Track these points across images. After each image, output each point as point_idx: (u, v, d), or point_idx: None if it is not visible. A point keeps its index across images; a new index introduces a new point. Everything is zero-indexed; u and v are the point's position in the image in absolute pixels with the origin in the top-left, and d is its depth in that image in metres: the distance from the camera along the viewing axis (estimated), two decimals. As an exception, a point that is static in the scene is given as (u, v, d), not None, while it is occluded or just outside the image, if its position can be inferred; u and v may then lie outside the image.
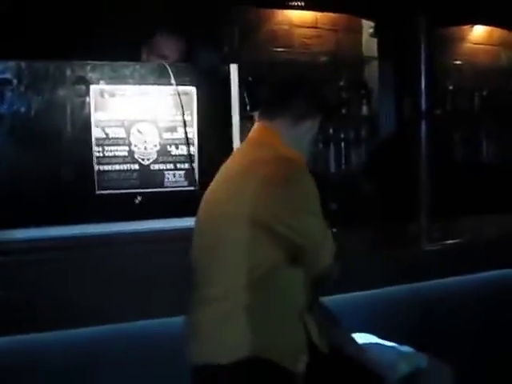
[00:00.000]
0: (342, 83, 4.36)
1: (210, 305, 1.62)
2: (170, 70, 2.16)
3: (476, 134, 4.92)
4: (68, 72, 2.06)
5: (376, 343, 1.92)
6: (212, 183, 1.76)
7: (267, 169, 1.63)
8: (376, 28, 4.45)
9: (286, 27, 4.28)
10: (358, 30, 4.56)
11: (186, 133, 2.20)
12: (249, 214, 1.59)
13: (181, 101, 2.19)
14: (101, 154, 2.12)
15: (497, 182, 4.16)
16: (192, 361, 1.64)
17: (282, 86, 1.88)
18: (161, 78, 2.18)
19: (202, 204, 1.75)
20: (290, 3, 4.04)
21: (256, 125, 1.81)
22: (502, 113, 4.97)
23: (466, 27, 4.99)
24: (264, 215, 1.59)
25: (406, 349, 1.88)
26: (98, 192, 2.11)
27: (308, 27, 4.36)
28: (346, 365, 1.71)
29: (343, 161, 4.28)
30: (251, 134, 1.80)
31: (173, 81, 2.18)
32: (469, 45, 5.06)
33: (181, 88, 2.20)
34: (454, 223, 2.99)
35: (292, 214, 1.61)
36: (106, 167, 2.13)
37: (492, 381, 2.47)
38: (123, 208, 2.14)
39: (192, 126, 2.24)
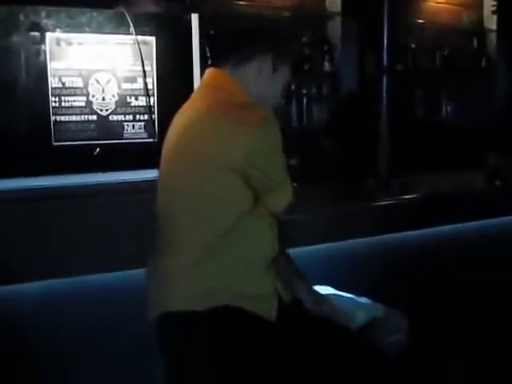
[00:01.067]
0: (304, 39, 4.33)
1: (179, 254, 1.63)
2: (129, 19, 2.10)
3: (436, 92, 4.98)
4: (21, 17, 1.97)
5: (334, 294, 1.95)
6: (171, 130, 1.74)
7: (237, 112, 1.64)
8: (340, -17, 4.41)
9: (250, -20, 4.20)
10: (323, -15, 4.50)
11: (145, 83, 2.15)
12: (218, 158, 1.60)
13: (140, 51, 2.13)
14: (57, 105, 2.05)
15: (455, 140, 4.24)
16: (159, 309, 1.65)
17: (236, 35, 1.88)
18: (120, 27, 2.11)
19: (164, 152, 1.74)
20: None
21: (208, 70, 1.79)
22: (461, 72, 5.03)
23: (428, -15, 4.99)
24: (236, 159, 1.59)
25: (363, 300, 1.92)
26: (54, 143, 2.05)
27: (272, -20, 4.29)
28: (306, 316, 1.73)
29: (305, 116, 4.28)
30: (205, 79, 1.79)
31: (132, 30, 2.11)
32: (431, 4, 5.07)
33: (140, 37, 2.14)
34: (412, 179, 3.04)
35: (265, 157, 1.62)
36: (63, 118, 2.07)
37: (446, 328, 2.55)
38: (81, 160, 2.09)
39: (152, 77, 2.19)
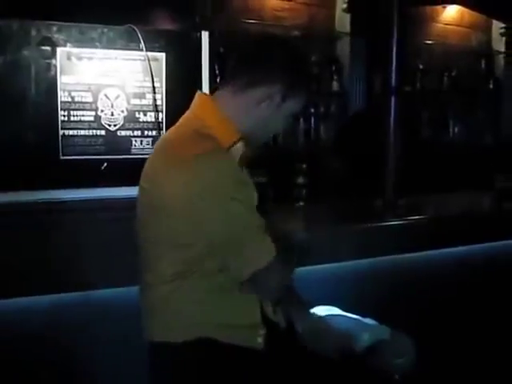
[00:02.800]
0: (313, 58, 4.34)
1: (150, 289, 1.55)
2: (139, 35, 2.11)
3: (443, 113, 4.98)
4: (33, 32, 1.99)
5: (339, 315, 1.93)
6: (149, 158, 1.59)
7: (176, 147, 1.47)
8: (349, 3, 4.43)
9: (259, -1, 4.23)
10: (332, 5, 4.53)
11: (154, 99, 2.16)
12: (162, 200, 1.45)
13: (150, 67, 2.14)
14: (66, 119, 2.06)
15: (462, 161, 4.23)
16: (146, 336, 1.59)
17: (244, 52, 1.62)
18: (130, 43, 2.13)
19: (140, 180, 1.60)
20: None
21: (196, 94, 1.61)
22: (469, 93, 5.04)
23: (438, 7, 5.01)
24: (175, 201, 1.42)
25: (369, 321, 1.89)
26: (62, 157, 2.06)
27: (281, 0, 4.32)
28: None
29: (312, 136, 4.28)
30: (192, 104, 1.61)
31: (142, 46, 2.13)
32: (440, 25, 5.09)
33: (150, 54, 2.15)
34: (419, 200, 3.03)
35: (205, 200, 1.41)
36: (71, 132, 2.08)
37: (453, 351, 2.52)
38: (88, 174, 2.10)
39: (160, 93, 2.20)
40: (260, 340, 1.56)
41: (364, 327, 1.83)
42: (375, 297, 2.35)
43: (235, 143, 1.50)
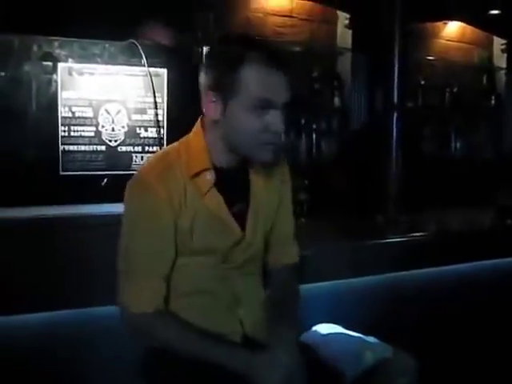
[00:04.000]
0: (314, 74, 4.34)
1: None
2: (141, 51, 2.11)
3: (445, 129, 4.97)
4: (34, 48, 1.99)
5: (341, 333, 1.91)
6: None
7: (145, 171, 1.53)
8: (351, 20, 4.44)
9: (261, 15, 4.24)
10: (333, 21, 4.53)
11: (156, 115, 2.15)
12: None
13: (152, 82, 2.14)
14: (66, 134, 2.06)
15: (464, 176, 4.21)
16: None
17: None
18: (131, 58, 2.13)
19: None
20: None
21: None
22: (470, 110, 5.03)
23: (439, 24, 5.02)
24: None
25: (371, 339, 1.87)
26: (62, 173, 2.05)
27: (283, 16, 4.32)
28: None
29: (314, 151, 4.27)
30: None
31: (144, 61, 2.12)
32: (442, 41, 5.09)
33: (152, 69, 2.15)
34: (421, 216, 3.01)
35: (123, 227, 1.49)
36: (72, 147, 2.07)
37: (457, 371, 2.49)
38: (88, 190, 2.09)
39: (162, 109, 2.19)
40: None
41: (366, 345, 1.81)
42: (377, 315, 2.33)
43: (201, 172, 1.50)
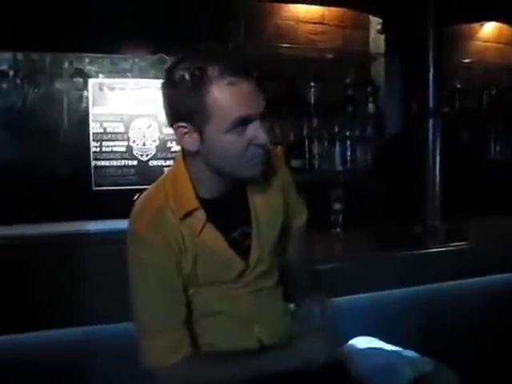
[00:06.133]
0: (348, 80, 4.30)
1: None
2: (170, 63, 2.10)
3: (484, 133, 4.85)
4: (66, 64, 2.01)
5: (379, 347, 1.86)
6: None
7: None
8: (383, 25, 4.39)
9: (292, 22, 4.22)
10: (366, 27, 4.50)
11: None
12: None
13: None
14: (98, 150, 2.06)
15: (505, 182, 4.09)
16: None
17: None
18: (161, 72, 2.12)
19: None
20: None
21: None
22: (510, 111, 4.91)
23: (475, 25, 4.92)
24: None
25: (410, 353, 1.82)
26: (94, 188, 2.06)
27: (314, 23, 4.31)
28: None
29: (349, 159, 4.22)
30: None
31: (173, 74, 2.11)
32: (478, 43, 4.99)
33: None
34: (461, 224, 2.92)
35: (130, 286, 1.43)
36: (103, 163, 2.07)
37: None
38: (120, 205, 2.08)
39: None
40: None
41: (405, 360, 1.76)
42: (417, 328, 2.26)
43: (191, 213, 1.42)
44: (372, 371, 1.69)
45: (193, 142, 1.35)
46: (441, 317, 2.37)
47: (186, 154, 1.44)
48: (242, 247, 1.50)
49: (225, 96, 1.30)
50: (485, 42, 5.00)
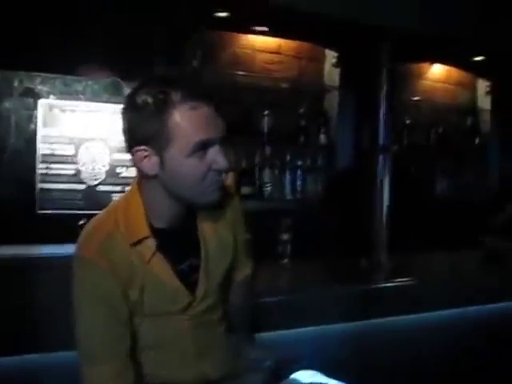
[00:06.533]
0: (302, 110, 4.35)
1: None
2: (124, 87, 2.08)
3: (431, 169, 4.98)
4: (15, 83, 1.95)
5: (322, 383, 1.85)
6: None
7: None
8: (339, 58, 4.47)
9: (249, 51, 4.26)
10: (321, 60, 4.57)
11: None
12: None
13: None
14: (45, 172, 2.00)
15: (451, 218, 4.20)
16: None
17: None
18: (114, 96, 2.10)
19: None
20: (253, 28, 4.01)
21: None
22: (456, 149, 5.07)
23: (425, 65, 5.08)
24: None
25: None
26: (39, 211, 1.99)
27: (271, 52, 4.35)
28: None
29: (299, 188, 4.25)
30: None
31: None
32: (428, 82, 5.14)
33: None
34: (407, 260, 2.97)
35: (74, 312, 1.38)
36: (50, 186, 2.01)
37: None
38: (65, 230, 2.03)
39: (144, 148, 2.14)
40: None
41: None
42: (362, 362, 2.27)
43: (141, 241, 1.40)
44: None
45: (152, 165, 1.34)
46: (384, 352, 2.39)
47: (142, 179, 1.41)
48: (189, 280, 1.48)
49: (186, 120, 1.31)
50: (434, 81, 5.16)
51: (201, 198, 1.40)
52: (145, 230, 1.41)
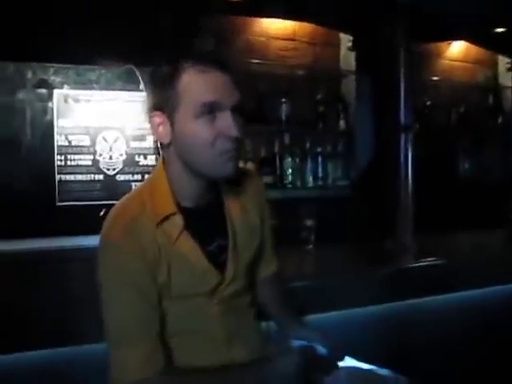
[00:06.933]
0: (319, 97, 4.30)
1: None
2: (138, 75, 2.05)
3: (453, 149, 4.90)
4: (29, 75, 1.93)
5: (352, 366, 1.81)
6: None
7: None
8: (354, 42, 4.41)
9: (263, 38, 4.21)
10: (336, 44, 4.51)
11: (155, 142, 2.08)
12: None
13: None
14: (63, 163, 1.99)
15: (474, 198, 4.12)
16: None
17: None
18: (129, 83, 2.07)
19: None
20: (267, 12, 3.97)
21: None
22: (478, 128, 4.98)
23: (443, 44, 4.99)
24: None
25: (385, 372, 1.77)
26: (58, 203, 1.97)
27: (285, 39, 4.30)
28: None
29: (320, 175, 4.20)
30: None
31: (142, 86, 2.06)
32: (446, 62, 5.05)
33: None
34: (432, 240, 2.91)
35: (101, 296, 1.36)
36: (68, 177, 2.00)
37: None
38: (85, 221, 2.01)
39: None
40: None
41: (380, 379, 1.72)
42: (392, 345, 2.22)
43: (168, 218, 1.39)
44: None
45: (166, 132, 1.36)
46: (413, 333, 2.34)
47: (165, 156, 1.42)
48: (218, 260, 1.46)
49: (194, 82, 1.32)
50: (452, 60, 5.07)
51: (215, 170, 1.37)
52: (171, 207, 1.40)
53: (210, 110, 1.32)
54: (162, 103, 1.35)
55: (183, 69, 1.33)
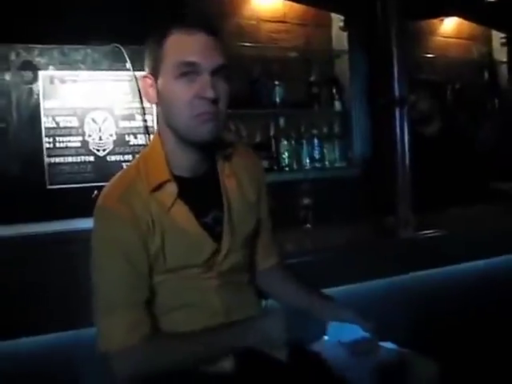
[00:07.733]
0: (312, 78, 4.26)
1: None
2: (125, 54, 2.01)
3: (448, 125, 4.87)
4: (12, 56, 1.89)
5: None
6: None
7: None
8: (346, 21, 4.37)
9: (254, 22, 4.17)
10: (328, 24, 4.47)
11: (144, 121, 2.05)
12: None
13: (138, 87, 2.03)
14: (51, 146, 1.95)
15: (468, 174, 4.09)
16: None
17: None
18: (115, 63, 2.03)
19: None
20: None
21: None
22: (473, 105, 4.94)
23: (435, 21, 4.94)
24: None
25: (388, 345, 1.74)
26: (48, 187, 1.94)
27: (276, 21, 4.25)
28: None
29: (317, 157, 4.16)
30: None
31: (129, 65, 2.02)
32: (440, 38, 5.01)
33: (138, 73, 2.04)
34: (430, 214, 2.88)
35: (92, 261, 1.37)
36: (58, 159, 1.96)
37: (478, 377, 2.35)
38: (77, 204, 1.97)
39: (151, 114, 2.08)
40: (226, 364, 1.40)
41: (384, 351, 1.69)
42: (393, 319, 2.19)
43: (162, 185, 1.39)
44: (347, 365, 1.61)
45: (153, 94, 1.39)
46: (418, 307, 2.32)
47: (160, 126, 1.44)
48: (213, 232, 1.45)
49: (177, 42, 1.35)
50: (446, 37, 5.03)
51: (192, 132, 1.38)
52: (165, 174, 1.40)
53: (190, 70, 1.34)
54: (151, 65, 1.38)
55: (171, 32, 1.35)
